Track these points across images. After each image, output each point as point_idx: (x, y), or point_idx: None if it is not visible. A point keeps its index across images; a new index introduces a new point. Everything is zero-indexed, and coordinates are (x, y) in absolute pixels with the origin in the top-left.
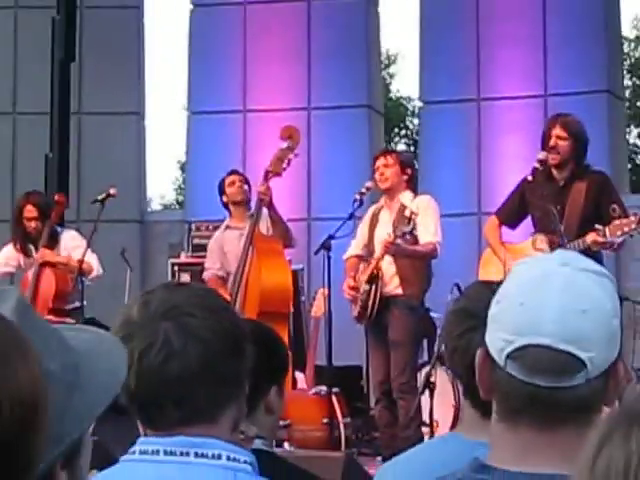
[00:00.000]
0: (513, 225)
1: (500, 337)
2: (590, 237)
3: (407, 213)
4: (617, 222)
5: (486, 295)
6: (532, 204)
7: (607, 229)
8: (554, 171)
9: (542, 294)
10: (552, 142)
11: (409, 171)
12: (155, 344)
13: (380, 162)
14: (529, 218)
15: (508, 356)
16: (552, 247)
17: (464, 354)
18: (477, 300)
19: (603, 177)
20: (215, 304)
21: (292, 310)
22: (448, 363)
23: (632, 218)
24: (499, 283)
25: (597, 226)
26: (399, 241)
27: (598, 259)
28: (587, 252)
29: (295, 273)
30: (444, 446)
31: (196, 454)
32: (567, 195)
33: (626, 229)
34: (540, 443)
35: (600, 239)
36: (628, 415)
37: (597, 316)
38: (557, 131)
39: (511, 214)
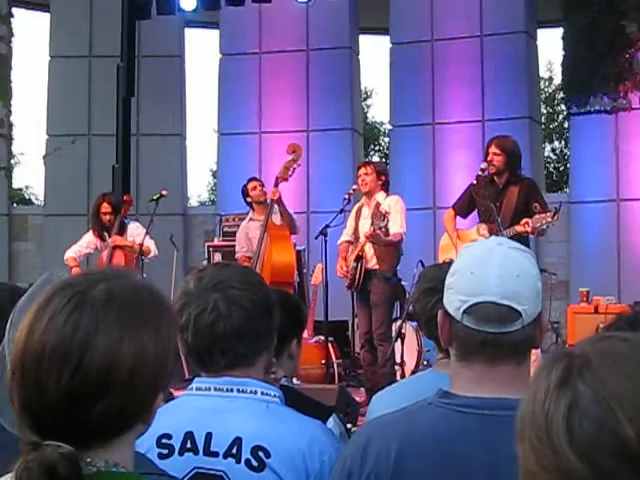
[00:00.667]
0: (464, 216)
1: (456, 299)
2: (519, 227)
3: (382, 210)
4: (537, 216)
5: (441, 275)
6: (477, 201)
7: (530, 221)
8: (495, 177)
9: (486, 265)
10: (489, 157)
11: (383, 178)
12: (207, 309)
13: (361, 171)
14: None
15: (464, 312)
16: (491, 233)
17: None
18: (437, 280)
19: (531, 183)
20: (252, 279)
21: (298, 280)
22: (424, 330)
23: (549, 214)
24: (446, 264)
25: (524, 219)
26: (377, 232)
27: (525, 242)
28: (517, 237)
29: (299, 253)
30: (421, 379)
31: (238, 390)
32: (504, 196)
33: (544, 222)
34: (489, 376)
35: (527, 228)
36: (553, 357)
37: (527, 279)
38: (492, 149)
39: (462, 208)
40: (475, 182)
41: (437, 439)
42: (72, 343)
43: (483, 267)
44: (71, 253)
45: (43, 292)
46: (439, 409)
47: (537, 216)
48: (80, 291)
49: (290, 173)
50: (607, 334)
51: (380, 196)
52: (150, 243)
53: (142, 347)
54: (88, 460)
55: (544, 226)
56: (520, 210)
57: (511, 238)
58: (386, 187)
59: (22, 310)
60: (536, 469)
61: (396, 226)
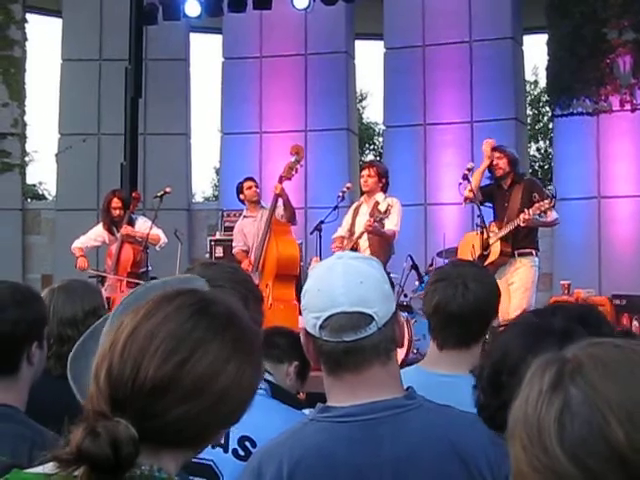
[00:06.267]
0: (482, 201)
1: (312, 317)
2: (520, 217)
3: (381, 208)
4: (537, 205)
5: (453, 268)
6: (495, 199)
7: (530, 210)
8: (502, 181)
9: (330, 279)
10: (495, 162)
11: (384, 180)
12: None
13: (365, 172)
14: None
15: (320, 327)
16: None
17: (427, 303)
18: (445, 270)
19: (532, 181)
20: (239, 277)
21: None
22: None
23: (546, 201)
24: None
25: (525, 210)
26: (376, 223)
27: (534, 238)
28: (527, 232)
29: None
30: (407, 376)
31: None
32: (510, 196)
33: (542, 208)
34: (359, 382)
35: (526, 216)
36: (546, 360)
37: (371, 284)
38: (497, 154)
39: (484, 192)
40: (461, 180)
41: (323, 453)
42: (189, 337)
43: (328, 282)
44: (78, 244)
45: (176, 285)
46: (321, 424)
47: (536, 204)
48: (206, 300)
49: (293, 173)
50: (599, 339)
51: (379, 196)
52: (158, 231)
53: (242, 374)
54: (136, 461)
55: (544, 212)
56: (525, 206)
57: (519, 233)
58: (385, 188)
59: (152, 286)
60: (526, 469)
61: (392, 224)
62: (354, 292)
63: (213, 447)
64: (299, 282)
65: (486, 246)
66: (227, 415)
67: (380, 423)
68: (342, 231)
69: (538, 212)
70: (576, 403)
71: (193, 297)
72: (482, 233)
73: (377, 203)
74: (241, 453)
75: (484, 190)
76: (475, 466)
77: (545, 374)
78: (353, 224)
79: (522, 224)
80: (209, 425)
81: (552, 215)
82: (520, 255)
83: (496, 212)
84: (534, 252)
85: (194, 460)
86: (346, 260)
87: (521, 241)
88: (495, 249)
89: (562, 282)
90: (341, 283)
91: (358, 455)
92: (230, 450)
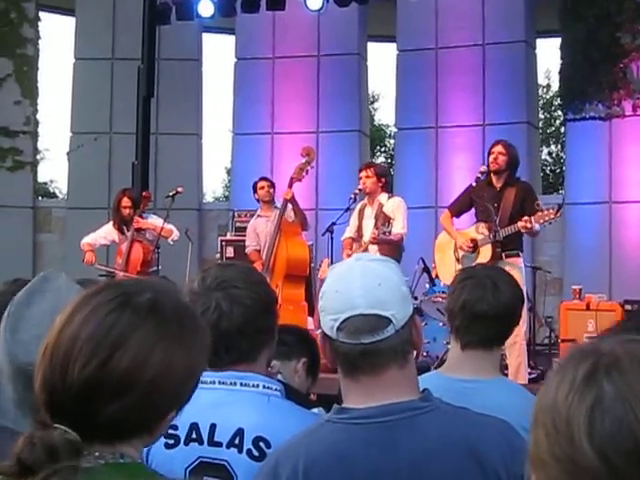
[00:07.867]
0: (457, 216)
1: (329, 319)
2: (520, 224)
3: (387, 214)
4: (540, 213)
5: (481, 269)
6: (476, 203)
7: (533, 218)
8: (493, 179)
9: (348, 281)
10: (494, 155)
11: (383, 179)
12: (210, 308)
13: (362, 174)
14: (469, 212)
15: (337, 329)
16: (489, 231)
17: (453, 301)
18: (473, 270)
19: (527, 185)
20: (254, 278)
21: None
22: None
23: (551, 210)
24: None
25: (525, 217)
26: (381, 235)
27: (521, 241)
28: (513, 236)
29: (309, 247)
30: (427, 382)
31: (241, 384)
32: (502, 197)
33: (547, 218)
34: (376, 385)
35: (528, 225)
36: (581, 351)
37: (389, 286)
38: (499, 148)
39: (459, 209)
40: (474, 184)
41: (339, 454)
42: (107, 337)
43: (345, 283)
44: (88, 239)
45: (41, 288)
46: (337, 425)
47: (540, 213)
48: (126, 293)
49: (304, 174)
50: (636, 336)
51: (382, 197)
52: (171, 226)
53: (171, 359)
54: (97, 454)
55: (546, 223)
56: (517, 210)
57: (509, 235)
58: (387, 188)
59: (19, 302)
60: (547, 457)
61: (398, 227)
62: (372, 294)
63: (228, 447)
64: (309, 283)
65: (474, 247)
66: (169, 399)
67: (396, 426)
68: (350, 232)
69: (541, 222)
70: (609, 399)
71: (114, 292)
72: (495, 236)
73: (381, 205)
74: (255, 454)
75: (458, 206)
76: (492, 469)
77: (580, 365)
78: (360, 227)
79: (523, 231)
80: (153, 412)
81: (537, 227)
82: (507, 257)
83: (482, 213)
84: (520, 253)
85: (208, 460)
86: (364, 262)
87: (508, 244)
88: (486, 252)
89: (573, 287)
90: (359, 285)
91: (375, 458)
92: (244, 450)
